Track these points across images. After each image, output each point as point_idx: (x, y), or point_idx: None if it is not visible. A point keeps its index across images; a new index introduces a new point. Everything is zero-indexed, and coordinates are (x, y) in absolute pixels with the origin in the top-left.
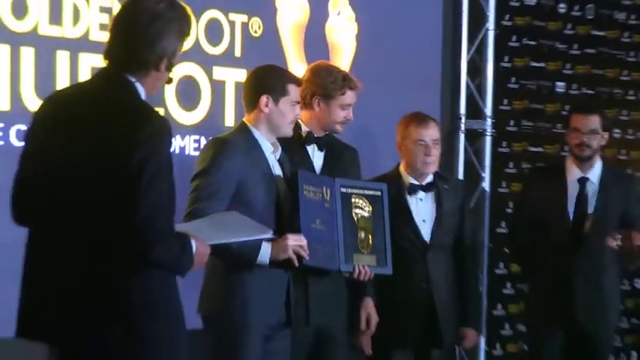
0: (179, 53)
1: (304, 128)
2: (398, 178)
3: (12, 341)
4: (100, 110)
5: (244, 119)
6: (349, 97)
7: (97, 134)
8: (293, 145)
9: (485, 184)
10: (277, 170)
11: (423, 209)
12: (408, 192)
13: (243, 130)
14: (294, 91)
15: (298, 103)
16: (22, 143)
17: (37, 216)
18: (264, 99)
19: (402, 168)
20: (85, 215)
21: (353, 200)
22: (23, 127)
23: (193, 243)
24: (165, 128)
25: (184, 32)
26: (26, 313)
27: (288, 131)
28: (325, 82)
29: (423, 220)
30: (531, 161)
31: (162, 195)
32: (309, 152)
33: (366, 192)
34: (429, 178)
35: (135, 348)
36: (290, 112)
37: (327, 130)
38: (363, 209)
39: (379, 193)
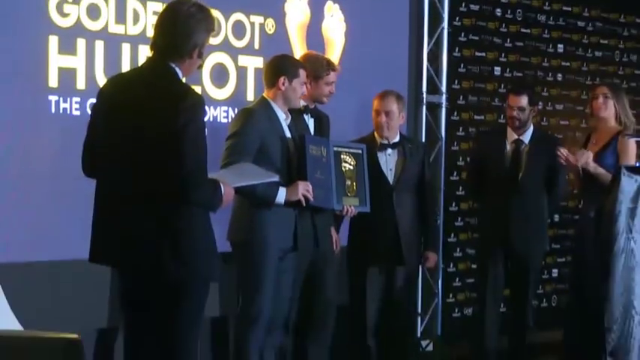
0: (207, 44)
1: (302, 102)
2: (372, 139)
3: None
4: (149, 89)
5: (264, 94)
6: (332, 76)
7: (148, 107)
8: (295, 114)
9: (442, 144)
10: (288, 133)
11: (390, 161)
12: (379, 149)
13: (264, 102)
14: (302, 74)
15: (305, 83)
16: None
17: (102, 169)
18: (282, 79)
19: (375, 132)
20: (140, 168)
21: (342, 157)
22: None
23: (222, 186)
24: (200, 102)
25: (210, 29)
26: (96, 243)
27: (297, 104)
28: (314, 67)
29: (390, 169)
30: (476, 126)
31: (199, 152)
32: (305, 119)
33: (351, 150)
34: (396, 139)
35: (179, 265)
36: (299, 89)
37: (316, 102)
38: (349, 163)
39: (360, 151)
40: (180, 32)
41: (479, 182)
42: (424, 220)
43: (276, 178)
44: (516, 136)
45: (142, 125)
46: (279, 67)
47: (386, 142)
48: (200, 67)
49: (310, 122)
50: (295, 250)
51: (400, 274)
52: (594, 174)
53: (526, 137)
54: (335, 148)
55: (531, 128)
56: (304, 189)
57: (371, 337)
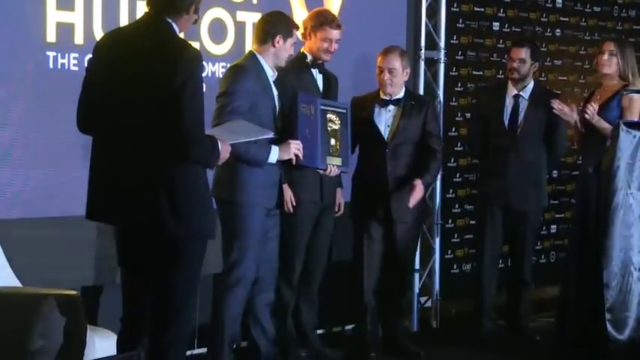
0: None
1: (309, 57)
2: (377, 95)
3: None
4: (146, 44)
5: (254, 49)
6: (331, 33)
7: (146, 62)
8: (302, 68)
9: (440, 100)
10: (275, 91)
11: (389, 118)
12: (381, 105)
13: (252, 58)
14: (296, 34)
15: (295, 44)
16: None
17: (98, 126)
18: (278, 37)
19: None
20: (138, 123)
21: (328, 116)
22: None
23: (219, 143)
24: (198, 57)
25: None
26: (93, 201)
27: (284, 63)
28: (317, 18)
29: (388, 126)
30: (474, 82)
31: (198, 108)
32: (314, 74)
33: (337, 109)
34: (400, 95)
35: (177, 222)
36: (290, 49)
37: (316, 58)
38: (334, 123)
39: (344, 110)
40: None
41: (483, 139)
42: (423, 164)
43: (271, 135)
44: (516, 92)
45: (139, 81)
46: (276, 25)
47: (388, 97)
48: (195, 22)
49: (319, 78)
50: (278, 208)
51: (398, 230)
52: (598, 127)
53: (526, 92)
54: (322, 107)
55: (532, 84)
56: (296, 148)
57: (369, 294)
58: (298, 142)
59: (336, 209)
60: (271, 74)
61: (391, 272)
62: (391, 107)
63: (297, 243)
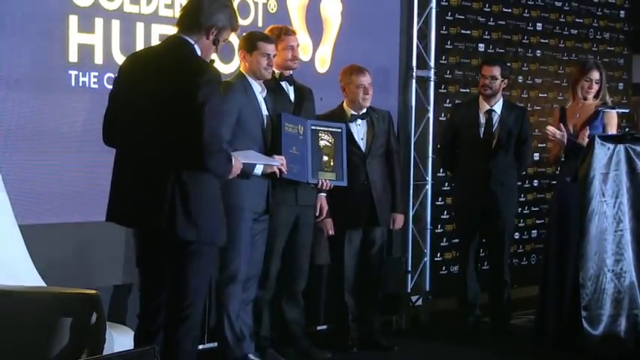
0: (226, 39)
1: (277, 71)
2: (342, 111)
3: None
4: (170, 63)
5: (240, 69)
6: (287, 39)
7: (169, 80)
8: (272, 83)
9: (430, 115)
10: (264, 107)
11: (360, 131)
12: (350, 120)
13: (240, 76)
14: (263, 46)
15: (268, 55)
16: (111, 87)
17: (121, 138)
18: (241, 53)
19: (345, 104)
20: (159, 136)
21: (320, 135)
22: (112, 75)
23: (233, 159)
24: (218, 76)
25: (233, 24)
26: (113, 204)
27: (265, 75)
28: (272, 34)
29: (362, 138)
30: (461, 98)
31: (217, 122)
32: (285, 87)
33: (330, 129)
34: (364, 110)
35: (191, 226)
36: (262, 60)
37: (285, 69)
38: (327, 141)
39: (340, 130)
40: (205, 9)
41: (453, 153)
42: (391, 184)
43: (277, 163)
44: (489, 107)
45: (163, 98)
46: (240, 43)
47: (356, 113)
48: (212, 61)
49: (290, 90)
50: (267, 214)
51: (375, 235)
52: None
53: (497, 107)
54: (313, 127)
55: (501, 99)
56: (279, 162)
57: (348, 294)
58: (282, 157)
59: (317, 213)
60: (259, 90)
61: (368, 273)
62: (359, 121)
63: (270, 246)
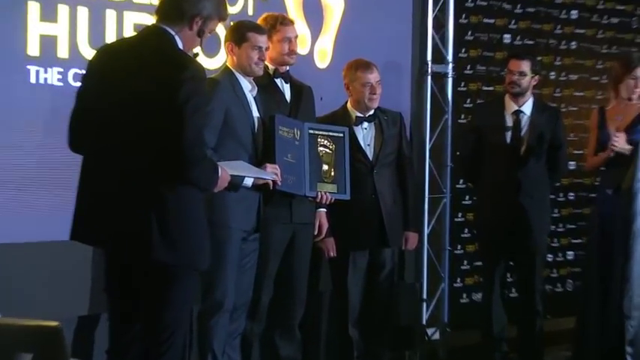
0: (212, 30)
1: (270, 67)
2: (346, 113)
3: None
4: (146, 57)
5: (227, 63)
6: (286, 30)
7: (144, 76)
8: (265, 79)
9: (448, 117)
10: (255, 109)
11: (367, 136)
12: (355, 123)
13: (227, 71)
14: (254, 38)
15: (260, 48)
16: (79, 84)
17: (91, 143)
18: (229, 45)
19: (349, 105)
20: (134, 142)
21: (319, 140)
22: (79, 71)
23: (220, 169)
24: (202, 72)
25: (221, 12)
26: (79, 221)
27: (256, 71)
28: (267, 24)
29: (368, 144)
30: (484, 98)
31: (200, 126)
32: (279, 84)
33: (331, 133)
34: (372, 112)
35: (168, 249)
36: (253, 54)
37: (281, 64)
38: (327, 147)
39: (342, 134)
40: None
41: (475, 161)
42: (403, 197)
43: (270, 177)
44: (516, 107)
45: (137, 96)
46: (227, 34)
47: (362, 115)
48: (196, 55)
49: (286, 88)
50: (258, 232)
51: (385, 257)
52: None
53: (527, 108)
54: (310, 131)
55: (531, 99)
56: (272, 171)
57: (353, 327)
58: (275, 166)
59: (316, 232)
60: (249, 88)
61: (376, 304)
62: (366, 124)
63: (262, 270)
